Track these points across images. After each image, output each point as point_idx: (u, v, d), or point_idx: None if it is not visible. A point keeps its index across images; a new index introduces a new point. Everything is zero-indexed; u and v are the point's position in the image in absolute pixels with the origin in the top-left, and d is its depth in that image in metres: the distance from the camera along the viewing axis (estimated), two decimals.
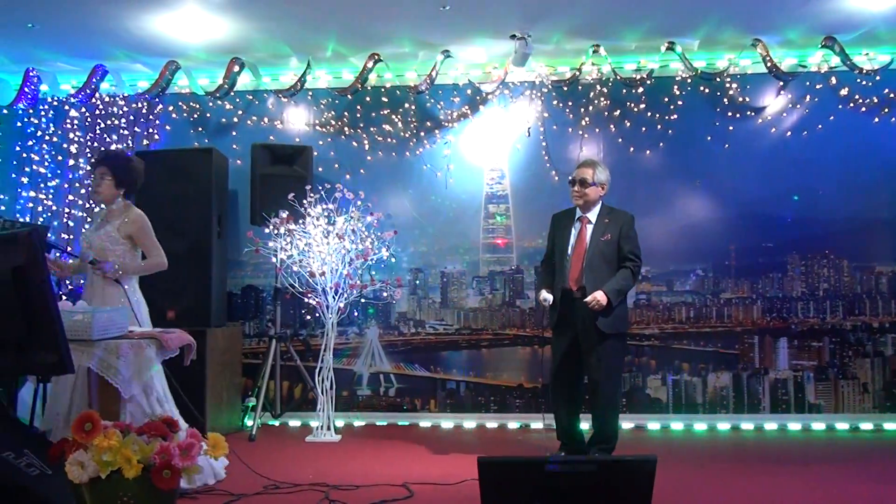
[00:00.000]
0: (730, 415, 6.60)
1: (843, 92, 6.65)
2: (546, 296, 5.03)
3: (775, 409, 6.58)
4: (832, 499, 4.27)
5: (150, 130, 7.16)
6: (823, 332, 6.64)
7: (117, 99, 7.15)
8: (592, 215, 5.10)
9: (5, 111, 7.18)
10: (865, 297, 6.62)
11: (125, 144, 7.10)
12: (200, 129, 7.16)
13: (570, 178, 5.17)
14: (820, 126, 6.66)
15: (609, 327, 4.91)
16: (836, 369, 6.58)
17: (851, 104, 6.65)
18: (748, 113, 6.74)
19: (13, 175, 7.20)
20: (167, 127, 7.19)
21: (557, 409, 5.11)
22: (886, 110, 6.62)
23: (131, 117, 7.17)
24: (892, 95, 6.60)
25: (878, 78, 6.57)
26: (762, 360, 6.66)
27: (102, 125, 7.17)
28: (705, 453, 5.64)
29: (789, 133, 6.70)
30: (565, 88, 6.85)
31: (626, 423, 6.52)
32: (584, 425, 5.19)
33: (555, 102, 6.88)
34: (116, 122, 7.15)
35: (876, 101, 6.62)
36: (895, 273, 6.61)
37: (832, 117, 6.66)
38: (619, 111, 6.82)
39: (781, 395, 6.59)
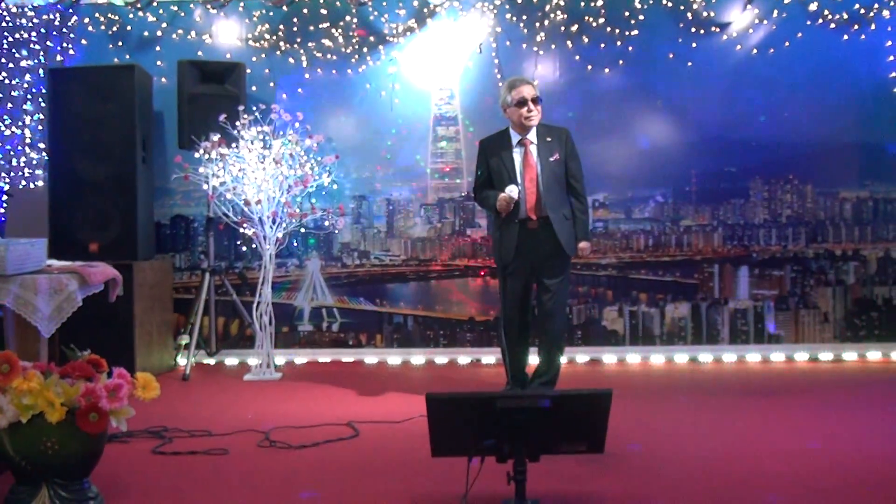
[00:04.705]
0: (688, 346, 6.76)
1: (812, 7, 6.66)
2: (512, 186, 4.89)
3: (734, 340, 6.76)
4: (790, 430, 4.43)
5: (65, 45, 6.92)
6: (785, 260, 6.79)
7: (26, 10, 6.87)
8: (532, 136, 5.09)
9: None
10: (829, 223, 6.78)
11: (36, 60, 6.87)
12: (121, 43, 6.92)
13: (518, 97, 4.98)
14: (787, 43, 6.69)
15: (572, 251, 5.08)
16: (797, 298, 6.77)
17: (820, 20, 6.67)
18: (713, 29, 6.74)
19: None
20: (83, 41, 6.93)
21: (514, 347, 5.17)
22: (856, 27, 6.67)
23: (42, 30, 6.90)
24: (862, 11, 6.64)
25: None
26: (722, 289, 6.81)
27: (10, 39, 6.90)
28: (662, 386, 5.78)
29: (755, 51, 6.72)
30: (519, 1, 6.76)
31: (581, 356, 6.66)
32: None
33: (508, 16, 6.78)
34: (26, 35, 6.89)
35: (846, 17, 6.66)
36: (859, 199, 6.76)
37: (800, 34, 6.69)
38: (576, 26, 6.76)
39: (741, 326, 6.77)
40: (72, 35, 6.92)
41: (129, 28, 6.92)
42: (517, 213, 4.98)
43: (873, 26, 6.66)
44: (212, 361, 6.71)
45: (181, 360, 6.49)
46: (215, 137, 5.84)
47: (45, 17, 6.89)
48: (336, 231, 6.65)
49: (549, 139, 5.08)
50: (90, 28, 6.92)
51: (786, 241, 6.80)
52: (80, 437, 3.14)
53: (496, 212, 5.01)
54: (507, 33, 6.80)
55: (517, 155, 5.08)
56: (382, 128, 6.89)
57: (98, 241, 6.09)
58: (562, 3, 6.73)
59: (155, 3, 6.79)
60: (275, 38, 6.88)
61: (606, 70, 6.78)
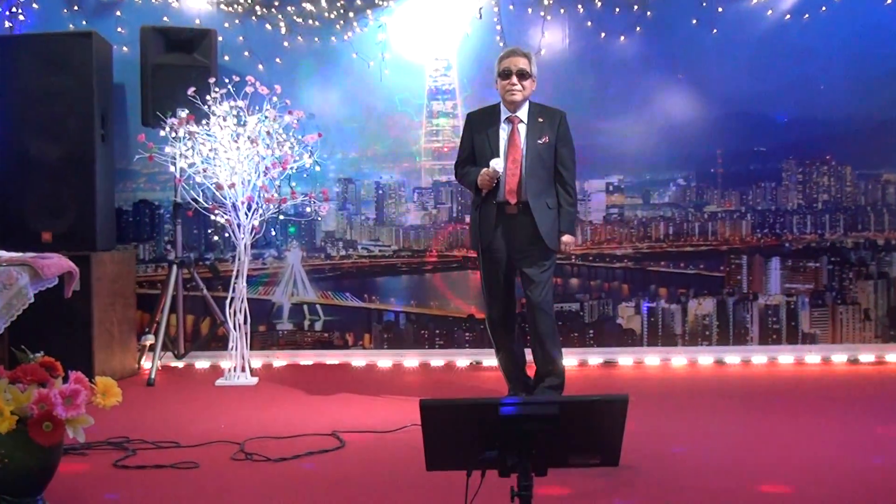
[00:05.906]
0: (713, 347, 6.77)
1: None
2: (498, 160, 4.93)
3: (765, 339, 6.77)
4: (826, 440, 4.43)
5: (14, 10, 6.90)
6: (821, 250, 6.80)
7: None
8: (523, 114, 5.12)
9: None
10: (870, 209, 6.78)
11: None
12: (76, 8, 6.91)
13: (500, 69, 5.08)
14: (824, 8, 6.69)
15: (554, 244, 5.07)
16: (835, 293, 6.77)
17: None
18: None
19: None
20: (35, 5, 6.92)
21: (507, 346, 5.22)
22: None
23: None
24: None
25: None
26: (751, 283, 6.82)
27: None
28: (684, 391, 5.79)
29: (788, 17, 6.72)
30: None
31: (594, 358, 6.67)
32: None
33: None
34: None
35: None
36: None
37: None
38: None
39: (772, 324, 6.77)
40: None
41: None
42: (496, 194, 5.02)
43: None
44: (180, 364, 6.71)
45: (145, 364, 6.48)
46: (183, 113, 5.84)
47: None
48: (319, 218, 6.64)
49: (540, 119, 5.10)
50: None
51: (822, 230, 6.80)
52: (33, 450, 3.13)
53: (476, 191, 5.08)
54: None
55: (503, 132, 5.11)
56: (371, 102, 6.88)
57: (52, 230, 6.07)
58: None
59: None
60: (249, 1, 6.86)
61: (621, 38, 6.78)
